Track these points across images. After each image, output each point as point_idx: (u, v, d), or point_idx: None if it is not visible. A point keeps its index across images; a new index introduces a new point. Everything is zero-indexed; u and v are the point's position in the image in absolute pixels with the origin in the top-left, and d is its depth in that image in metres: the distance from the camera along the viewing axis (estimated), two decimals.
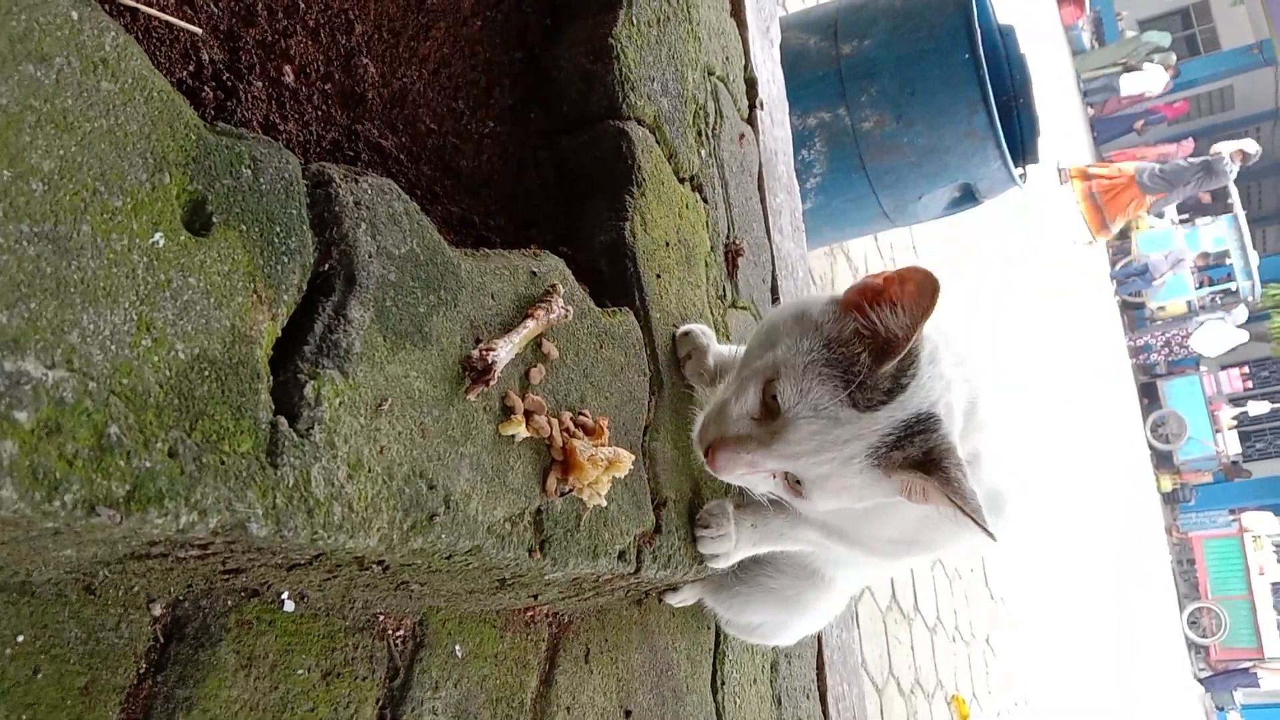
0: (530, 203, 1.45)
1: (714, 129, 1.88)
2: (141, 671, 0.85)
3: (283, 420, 0.79)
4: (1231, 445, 16.29)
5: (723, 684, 1.78)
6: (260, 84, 1.18)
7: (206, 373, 0.74)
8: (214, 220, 0.77)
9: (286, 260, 0.83)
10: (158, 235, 0.73)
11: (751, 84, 2.47)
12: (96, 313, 0.67)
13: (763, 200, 2.34)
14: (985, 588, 6.62)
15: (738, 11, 2.52)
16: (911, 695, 4.97)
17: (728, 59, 2.29)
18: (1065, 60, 17.18)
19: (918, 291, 1.03)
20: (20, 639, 0.77)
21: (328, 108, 1.27)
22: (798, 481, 1.15)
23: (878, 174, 3.48)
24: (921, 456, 1.08)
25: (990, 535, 1.02)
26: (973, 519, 1.02)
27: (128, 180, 0.72)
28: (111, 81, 0.72)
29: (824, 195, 3.60)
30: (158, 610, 0.87)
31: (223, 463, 0.73)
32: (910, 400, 1.09)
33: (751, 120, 2.43)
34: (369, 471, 0.85)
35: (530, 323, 1.07)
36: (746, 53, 2.51)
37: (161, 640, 0.87)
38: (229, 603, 0.93)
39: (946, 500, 1.04)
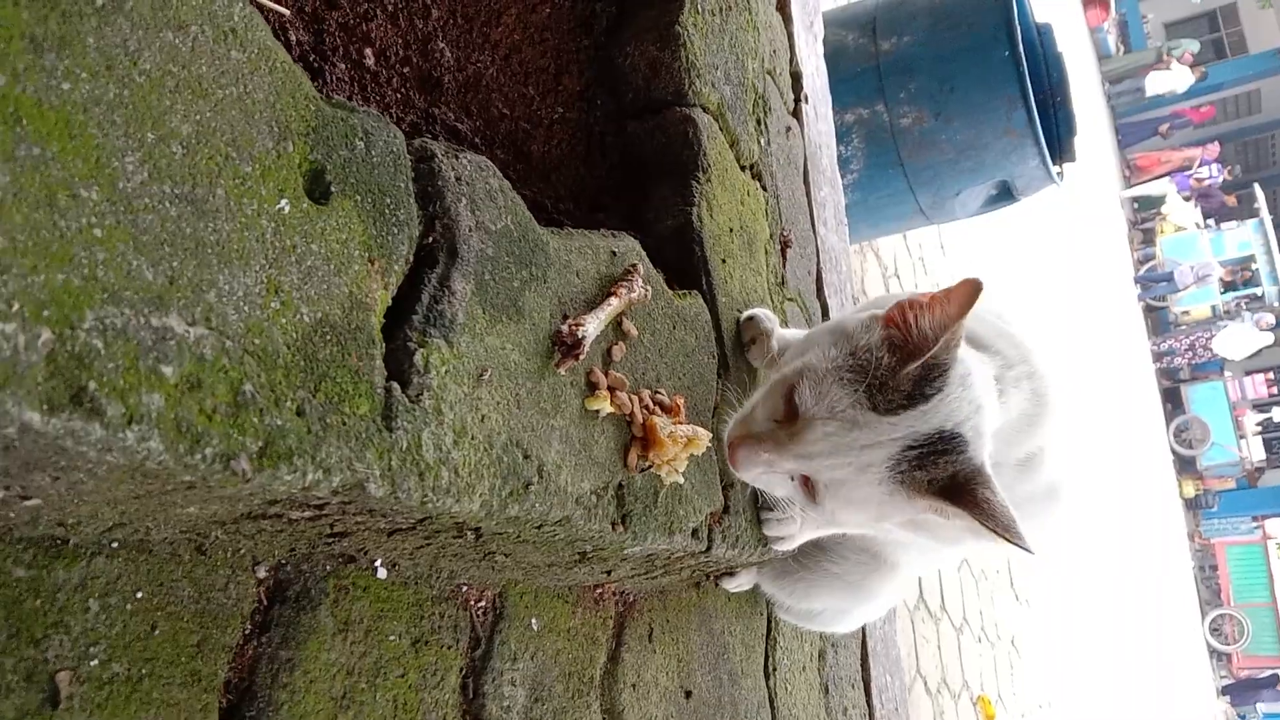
0: (598, 188, 1.47)
1: (768, 120, 1.89)
2: (247, 632, 0.87)
3: (395, 386, 0.81)
4: (1256, 451, 16.17)
5: (774, 670, 1.79)
6: (343, 66, 1.21)
7: (328, 337, 0.76)
8: (332, 190, 0.79)
9: (396, 231, 0.85)
10: (283, 202, 0.75)
11: (797, 78, 2.48)
12: (230, 274, 0.69)
13: (808, 193, 2.36)
14: (1011, 589, 6.60)
15: (783, 6, 2.53)
16: (938, 694, 4.96)
17: (774, 52, 2.30)
18: (1091, 64, 17.11)
19: (960, 294, 1.01)
20: (139, 595, 0.79)
21: (406, 90, 1.29)
22: (818, 499, 1.14)
23: (915, 170, 3.48)
24: (948, 481, 1.05)
25: (1028, 550, 0.99)
26: (1009, 540, 1.00)
27: (256, 147, 0.74)
28: (240, 51, 0.74)
29: (861, 191, 3.61)
30: (262, 573, 0.89)
31: (344, 424, 0.75)
32: (934, 413, 1.06)
33: (797, 114, 2.44)
34: (472, 439, 0.87)
35: (613, 300, 1.09)
36: (792, 46, 2.52)
37: (265, 602, 0.89)
38: (327, 568, 0.95)
39: (980, 526, 1.01)
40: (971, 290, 0.99)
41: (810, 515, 1.20)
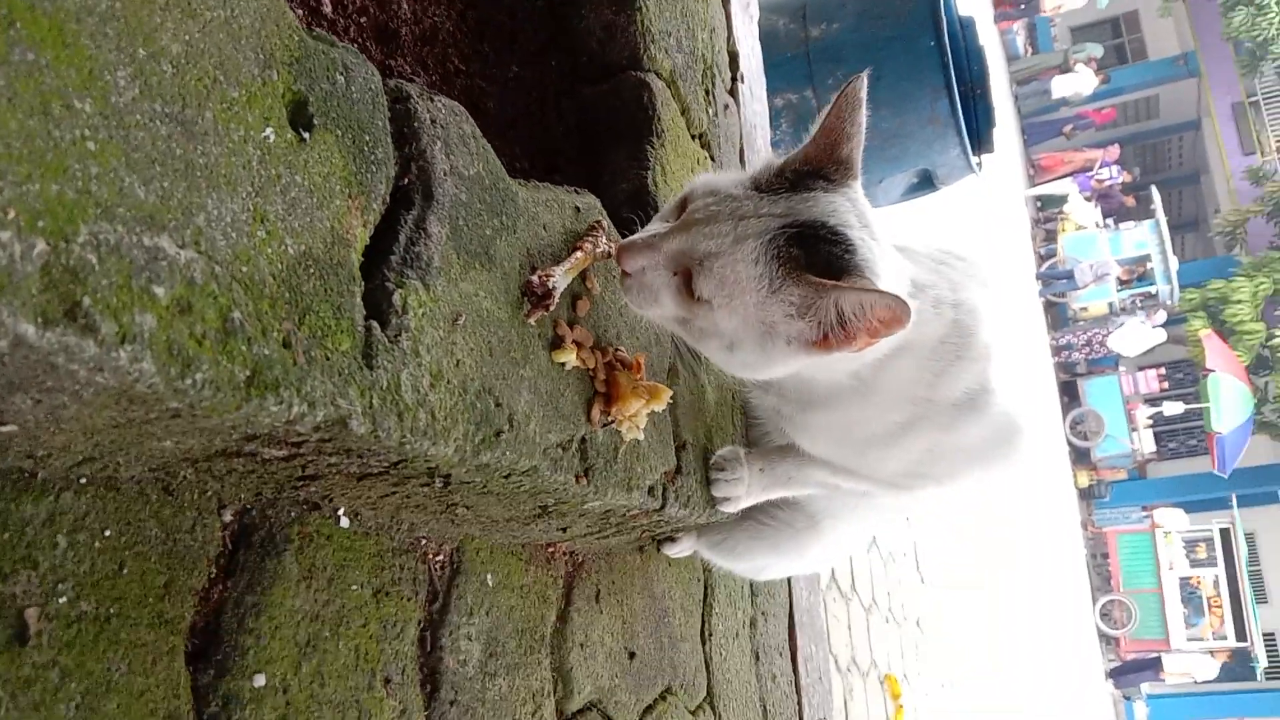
0: (553, 148, 1.46)
1: (715, 92, 1.91)
2: (212, 576, 0.86)
3: (375, 325, 0.80)
4: (1147, 444, 16.83)
5: (710, 635, 1.81)
6: (300, 11, 1.18)
7: (311, 270, 0.75)
8: (315, 122, 0.78)
9: (374, 169, 0.84)
10: (269, 130, 0.73)
11: (734, 57, 2.50)
12: (219, 199, 0.67)
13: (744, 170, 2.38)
14: (916, 571, 6.77)
15: None
16: (848, 673, 5.06)
17: (713, 30, 2.31)
18: (999, 63, 17.55)
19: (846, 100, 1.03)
20: (107, 533, 0.77)
21: (363, 40, 1.26)
22: (695, 286, 1.06)
23: None
24: (828, 265, 1.00)
25: (908, 308, 0.93)
26: (885, 295, 0.95)
27: (242, 73, 0.72)
28: None
29: None
30: (228, 516, 0.88)
31: (328, 359, 0.74)
32: (815, 203, 1.04)
33: (734, 92, 2.46)
34: (447, 383, 0.87)
35: (579, 254, 1.09)
36: (730, 26, 2.54)
37: (230, 547, 0.88)
38: (292, 514, 0.93)
39: (856, 291, 0.97)
40: (857, 96, 1.02)
41: (697, 325, 1.09)
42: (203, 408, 0.65)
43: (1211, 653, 15.72)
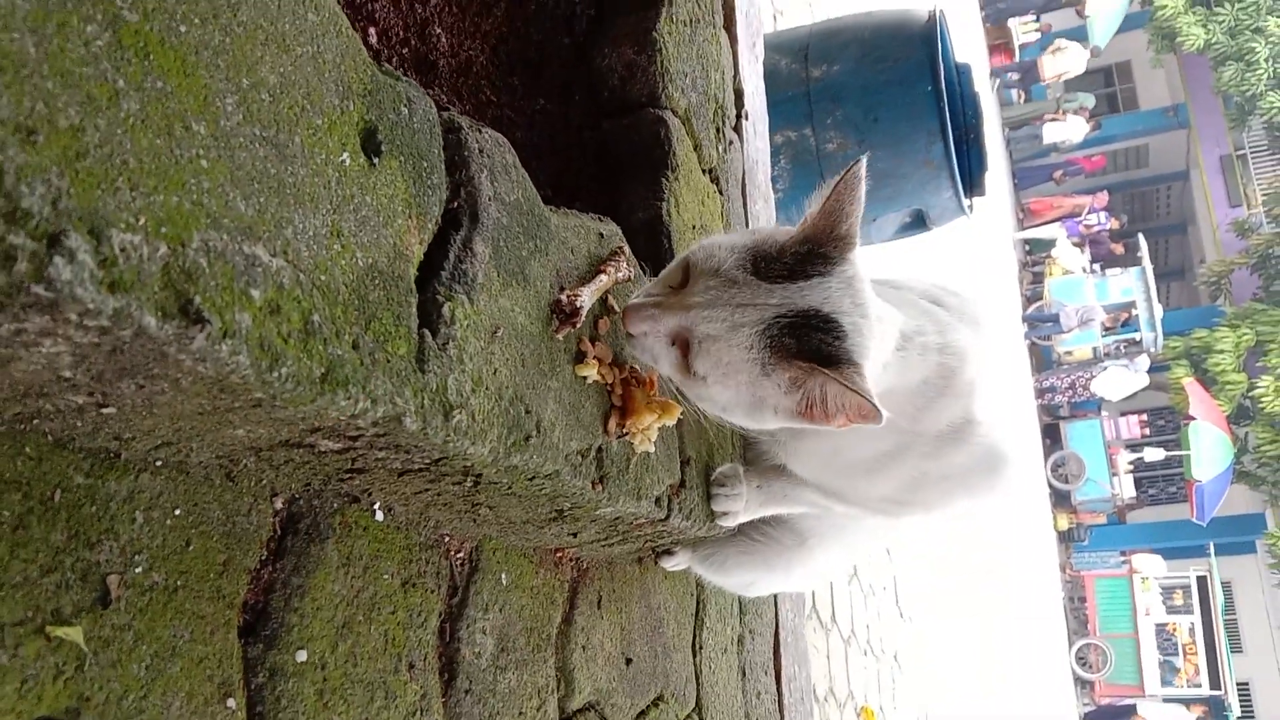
0: (574, 179, 1.55)
1: (725, 129, 2.00)
2: (264, 558, 0.93)
3: (427, 333, 0.88)
4: (1127, 489, 16.97)
5: (701, 648, 1.89)
6: None
7: (376, 281, 0.83)
8: (383, 148, 0.86)
9: (430, 193, 0.93)
10: (345, 155, 0.82)
11: (739, 94, 2.60)
12: (304, 214, 0.76)
13: (745, 205, 2.47)
14: (896, 605, 6.84)
15: (730, 25, 2.65)
16: (825, 702, 5.12)
17: (723, 71, 2.41)
18: (992, 108, 17.82)
19: (847, 184, 1.08)
20: (177, 512, 0.85)
21: (405, 70, 1.35)
22: (691, 361, 1.13)
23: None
24: (819, 354, 1.08)
25: (879, 412, 1.03)
26: (864, 398, 1.03)
27: (325, 102, 0.80)
28: (315, 14, 0.81)
29: (785, 210, 3.74)
30: (279, 504, 0.95)
31: (388, 361, 0.82)
32: (812, 291, 1.10)
33: (738, 129, 2.56)
34: (486, 389, 0.95)
35: (603, 278, 1.18)
36: (736, 64, 2.64)
37: (279, 532, 0.95)
38: (334, 505, 1.01)
39: (837, 386, 1.05)
40: (856, 180, 1.08)
41: (691, 391, 1.18)
42: (283, 399, 0.73)
43: (1187, 704, 15.81)
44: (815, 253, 1.12)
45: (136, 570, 0.80)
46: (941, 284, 1.43)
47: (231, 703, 0.87)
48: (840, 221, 1.11)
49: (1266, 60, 17.09)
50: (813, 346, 1.08)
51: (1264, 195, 18.40)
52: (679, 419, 1.33)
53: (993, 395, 1.32)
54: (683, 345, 1.14)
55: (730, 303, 1.10)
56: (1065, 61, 17.94)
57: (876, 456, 1.32)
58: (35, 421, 0.74)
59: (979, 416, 1.30)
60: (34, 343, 0.61)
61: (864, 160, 1.08)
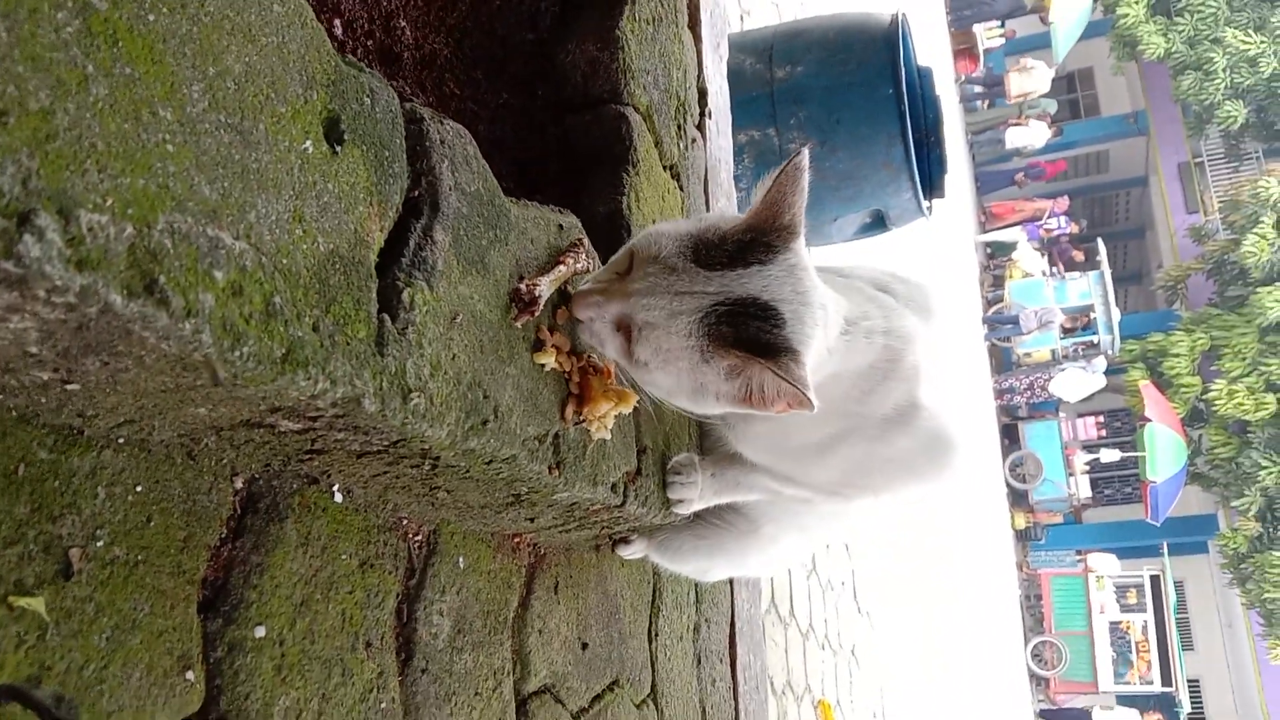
0: (537, 173, 1.58)
1: (686, 126, 2.04)
2: (223, 536, 0.95)
3: (386, 318, 0.91)
4: (1083, 489, 17.23)
5: (656, 635, 1.92)
6: None
7: (337, 266, 0.86)
8: (345, 137, 0.89)
9: (391, 181, 0.95)
10: (308, 142, 0.84)
11: (703, 94, 2.63)
12: (266, 200, 0.78)
13: (707, 202, 2.51)
14: (854, 601, 6.92)
15: (694, 25, 2.68)
16: (782, 696, 5.17)
17: (685, 69, 2.44)
18: (955, 113, 18.02)
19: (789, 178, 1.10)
20: (139, 489, 0.87)
21: (369, 62, 1.37)
22: (633, 348, 1.16)
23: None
24: (759, 343, 1.09)
25: (811, 403, 1.05)
26: (799, 390, 1.06)
27: (288, 92, 0.83)
28: (281, 5, 0.83)
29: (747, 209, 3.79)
30: (239, 484, 0.98)
31: (348, 344, 0.85)
32: (751, 279, 1.10)
33: (701, 127, 2.59)
34: (444, 373, 0.98)
35: (562, 268, 1.21)
36: (700, 63, 2.67)
37: (239, 511, 0.98)
38: (294, 486, 1.03)
39: (773, 375, 1.07)
40: (799, 171, 1.09)
41: (633, 375, 1.22)
42: (245, 378, 0.76)
43: (1141, 711, 16.09)
44: (758, 241, 1.13)
45: (98, 544, 0.82)
46: (892, 272, 1.47)
47: (190, 675, 0.89)
48: (783, 211, 1.12)
49: (1224, 70, 17.40)
50: (750, 335, 1.10)
51: (1220, 202, 18.77)
52: (635, 408, 1.36)
53: (940, 381, 1.35)
54: (626, 331, 1.16)
55: (669, 290, 1.11)
56: (1031, 81, 18.19)
57: (824, 440, 1.35)
58: (0, 397, 0.75)
59: (924, 401, 1.33)
60: (2, 319, 0.63)
61: (806, 151, 1.09)
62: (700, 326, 1.11)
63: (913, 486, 1.41)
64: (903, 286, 1.42)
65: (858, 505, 1.50)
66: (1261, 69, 17.18)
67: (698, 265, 1.12)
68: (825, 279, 1.22)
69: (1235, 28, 17.30)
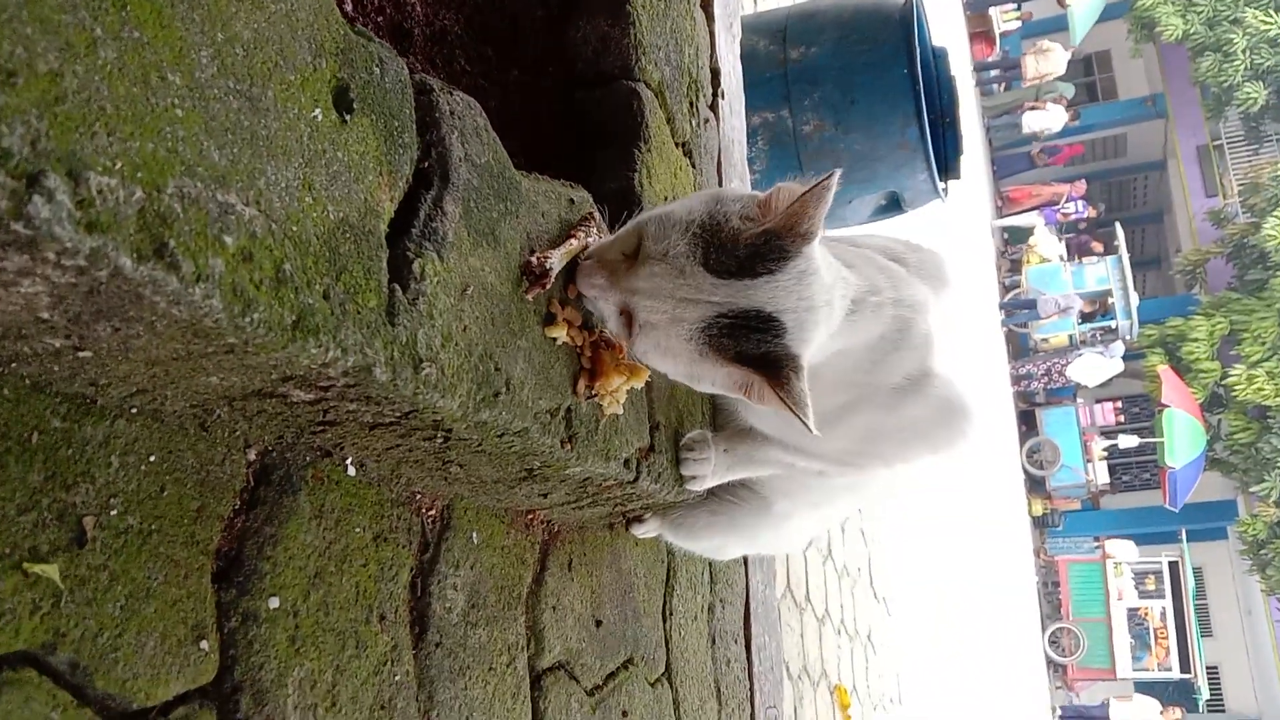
0: (546, 149, 1.57)
1: (699, 104, 2.03)
2: (237, 507, 0.96)
3: (397, 288, 0.91)
4: (1101, 475, 17.12)
5: (671, 614, 1.92)
6: None
7: (347, 234, 0.85)
8: (354, 106, 0.89)
9: (401, 152, 0.95)
10: (317, 110, 0.84)
11: (716, 74, 2.62)
12: (276, 166, 0.78)
13: (720, 183, 2.50)
14: (870, 587, 6.91)
15: (707, 5, 2.67)
16: (799, 680, 5.18)
17: (698, 48, 2.43)
18: (970, 96, 17.89)
19: (818, 191, 1.05)
20: (152, 458, 0.87)
21: (380, 38, 1.37)
22: (634, 339, 1.15)
23: (814, 176, 3.67)
24: (758, 355, 1.09)
25: (810, 429, 1.04)
26: (798, 416, 1.05)
27: (298, 59, 0.83)
28: None
29: (761, 190, 3.77)
30: (252, 455, 0.98)
31: (359, 312, 0.85)
32: (758, 291, 1.08)
33: (714, 108, 2.58)
34: (455, 345, 0.98)
35: (573, 242, 1.20)
36: (713, 44, 2.66)
37: (252, 483, 0.98)
38: (307, 458, 1.04)
39: (776, 399, 1.07)
40: (826, 190, 1.05)
41: (632, 352, 1.20)
42: (255, 344, 0.76)
43: (1162, 704, 16.00)
44: (772, 245, 1.09)
45: (112, 513, 0.82)
46: (906, 240, 1.46)
47: (205, 645, 0.89)
48: (802, 222, 1.08)
49: (1244, 51, 17.20)
50: (749, 348, 1.09)
51: (1239, 185, 18.57)
52: (648, 384, 1.36)
53: (952, 350, 1.34)
54: (628, 317, 1.15)
55: (674, 295, 1.09)
56: (1049, 64, 18.01)
57: (835, 409, 1.34)
58: (13, 365, 0.76)
59: (936, 370, 1.32)
60: (13, 282, 0.64)
61: (836, 174, 1.05)
62: (701, 335, 1.10)
63: (926, 455, 1.40)
64: (915, 255, 1.41)
65: (871, 477, 1.49)
66: None
67: (706, 269, 1.09)
68: (837, 251, 1.21)
69: (1255, 8, 17.09)
